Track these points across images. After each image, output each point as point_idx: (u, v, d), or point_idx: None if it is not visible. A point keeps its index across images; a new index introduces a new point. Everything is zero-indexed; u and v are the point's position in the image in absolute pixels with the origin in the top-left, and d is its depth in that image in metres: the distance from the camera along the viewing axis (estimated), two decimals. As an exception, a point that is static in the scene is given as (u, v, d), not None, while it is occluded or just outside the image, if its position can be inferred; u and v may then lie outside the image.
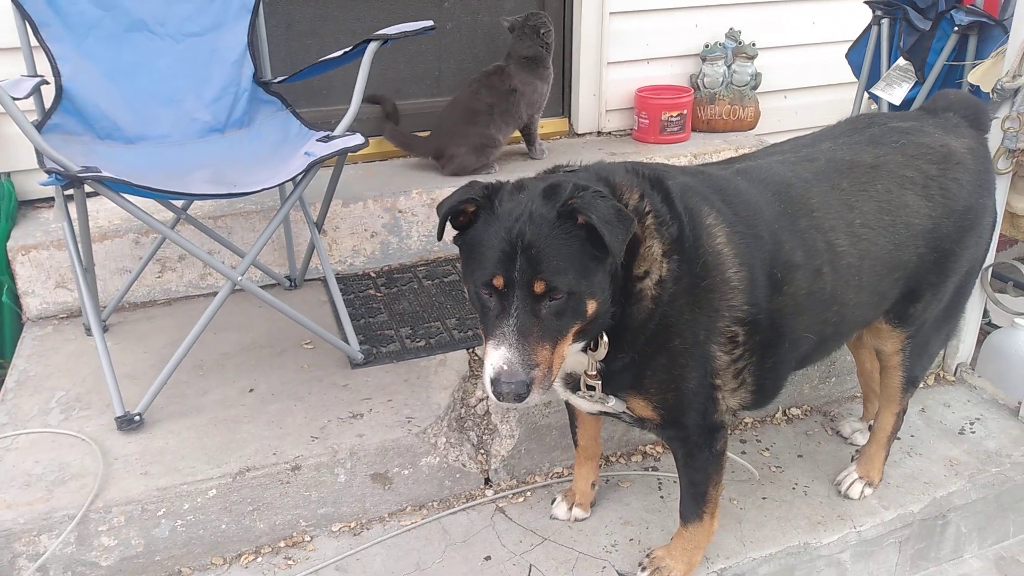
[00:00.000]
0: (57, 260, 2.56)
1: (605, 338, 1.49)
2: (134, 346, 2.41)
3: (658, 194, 1.50)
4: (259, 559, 1.92)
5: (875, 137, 1.75)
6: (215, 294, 2.72)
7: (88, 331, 2.47)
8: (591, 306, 1.39)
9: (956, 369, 2.55)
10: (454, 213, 1.42)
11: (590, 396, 1.58)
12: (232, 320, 2.53)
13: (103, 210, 2.68)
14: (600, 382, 1.55)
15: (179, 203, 2.49)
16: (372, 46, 2.15)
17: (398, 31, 2.16)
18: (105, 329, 2.44)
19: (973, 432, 2.32)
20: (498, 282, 1.34)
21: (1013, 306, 2.53)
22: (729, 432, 1.71)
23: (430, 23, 2.19)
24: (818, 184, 1.65)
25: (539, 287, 1.33)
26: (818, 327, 1.64)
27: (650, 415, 1.58)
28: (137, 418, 2.02)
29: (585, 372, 1.56)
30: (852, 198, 1.65)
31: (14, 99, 1.77)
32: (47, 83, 2.21)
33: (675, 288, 1.45)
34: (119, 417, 2.00)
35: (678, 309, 1.47)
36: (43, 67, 2.27)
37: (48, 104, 2.25)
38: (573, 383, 1.61)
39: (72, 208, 2.15)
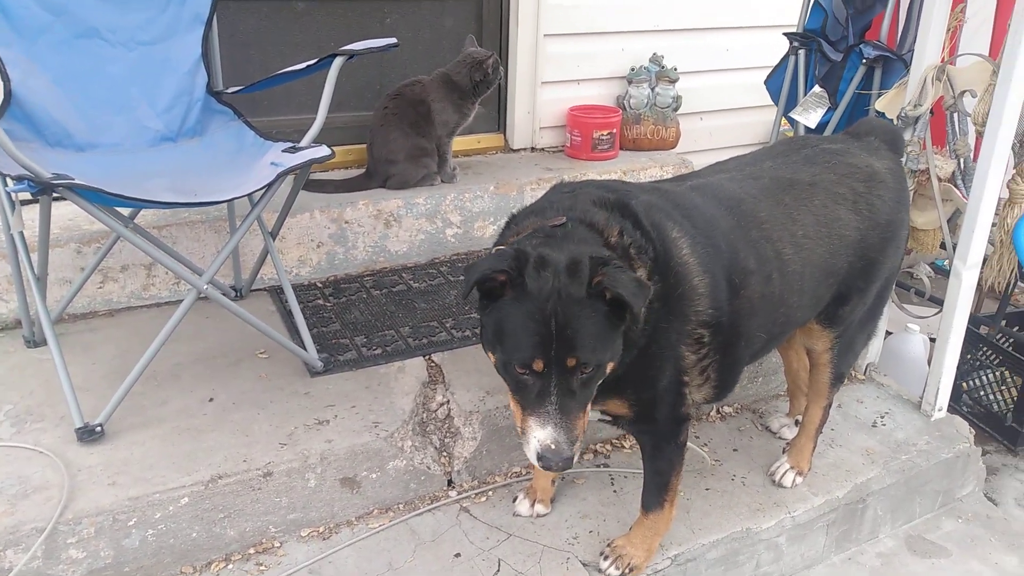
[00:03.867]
0: (-8, 270, 2.47)
1: None
2: (80, 358, 2.36)
3: (629, 221, 1.62)
4: (230, 566, 1.93)
5: (810, 157, 1.96)
6: (157, 305, 2.74)
7: (29, 343, 2.40)
8: (610, 366, 1.52)
9: (866, 369, 2.81)
10: (482, 280, 1.47)
11: None
12: (182, 330, 2.48)
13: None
14: None
15: (126, 212, 2.45)
16: (338, 61, 2.21)
17: (364, 47, 2.23)
18: (45, 341, 2.37)
19: (884, 425, 2.57)
20: (538, 365, 1.44)
21: (916, 312, 2.81)
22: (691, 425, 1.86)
23: (394, 40, 2.27)
24: (764, 199, 1.83)
25: (574, 365, 1.44)
26: (768, 327, 1.82)
27: (625, 412, 1.72)
28: (98, 429, 1.99)
29: None
30: (794, 212, 1.84)
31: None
32: (-6, 88, 2.16)
33: (658, 303, 1.59)
34: (79, 428, 1.97)
35: (657, 319, 1.60)
36: (-12, 71, 2.22)
37: (-6, 109, 2.19)
38: None
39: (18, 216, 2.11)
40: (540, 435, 1.45)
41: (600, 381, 1.54)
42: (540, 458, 1.45)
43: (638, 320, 1.46)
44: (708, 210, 1.77)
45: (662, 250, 1.61)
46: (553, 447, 1.44)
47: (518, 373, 1.47)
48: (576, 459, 1.49)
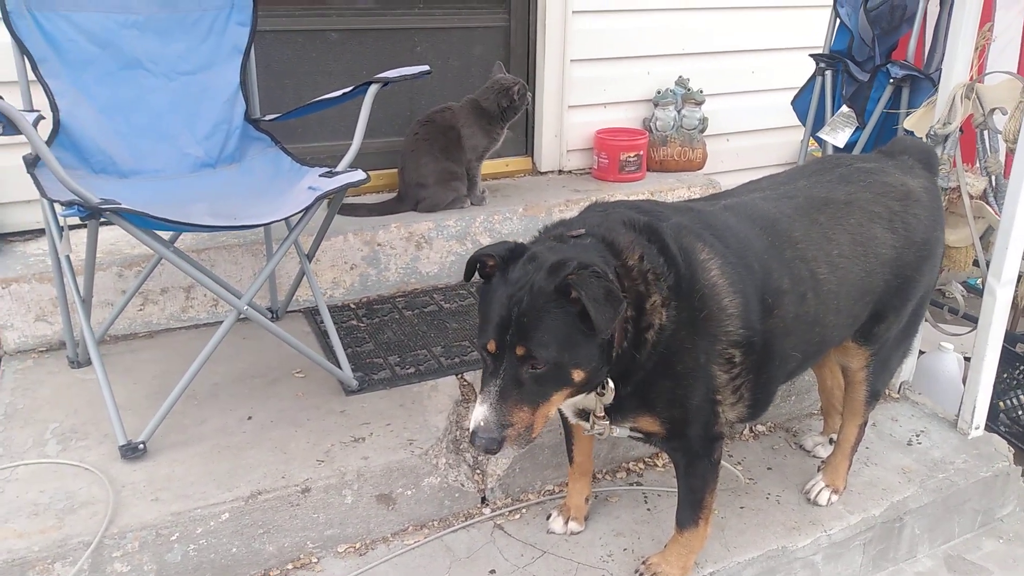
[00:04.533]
0: (38, 293, 2.55)
1: (611, 383, 1.63)
2: (122, 378, 2.41)
3: (655, 245, 1.61)
4: (269, 582, 1.96)
5: (844, 176, 1.97)
6: (196, 327, 2.80)
7: (73, 364, 2.46)
8: (577, 375, 1.52)
9: (900, 387, 2.79)
10: (481, 262, 1.58)
11: (599, 434, 1.74)
12: (219, 351, 2.53)
13: (82, 244, 2.68)
14: (608, 420, 1.71)
15: (167, 236, 2.52)
16: (373, 88, 2.27)
17: (398, 74, 2.28)
18: (88, 362, 2.44)
19: (920, 443, 2.55)
20: (491, 346, 1.50)
21: (950, 330, 2.79)
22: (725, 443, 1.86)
23: (427, 68, 2.32)
24: (799, 219, 1.84)
25: (523, 355, 1.48)
26: (803, 346, 1.82)
27: (657, 430, 1.73)
28: (141, 446, 2.04)
29: (594, 413, 1.70)
30: (830, 231, 1.85)
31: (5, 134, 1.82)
32: (44, 118, 2.24)
33: (674, 326, 1.58)
34: (123, 446, 2.02)
35: (679, 340, 1.60)
36: (39, 102, 2.30)
37: (44, 138, 2.26)
38: (584, 414, 1.74)
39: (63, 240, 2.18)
40: (476, 412, 1.51)
41: (563, 389, 1.53)
42: (471, 433, 1.51)
43: (601, 332, 1.45)
44: (741, 230, 1.78)
45: (687, 274, 1.61)
46: (482, 424, 1.49)
47: (481, 350, 1.54)
48: (511, 449, 1.53)
